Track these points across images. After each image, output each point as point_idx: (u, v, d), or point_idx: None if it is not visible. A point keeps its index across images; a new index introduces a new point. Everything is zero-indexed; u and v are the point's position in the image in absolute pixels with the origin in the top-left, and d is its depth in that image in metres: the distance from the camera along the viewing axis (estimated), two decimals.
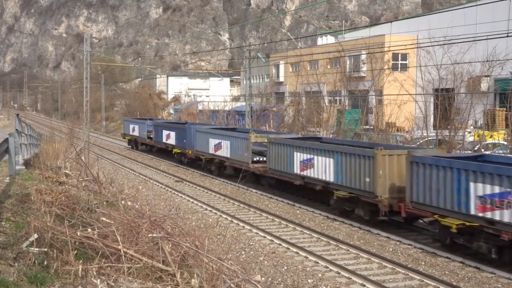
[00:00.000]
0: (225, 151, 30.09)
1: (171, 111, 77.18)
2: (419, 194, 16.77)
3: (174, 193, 26.91)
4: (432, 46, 32.08)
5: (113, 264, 8.33)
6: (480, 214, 14.75)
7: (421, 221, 18.76)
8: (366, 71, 47.94)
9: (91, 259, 8.46)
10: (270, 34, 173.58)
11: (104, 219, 10.49)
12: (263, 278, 12.84)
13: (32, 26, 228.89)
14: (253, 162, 27.64)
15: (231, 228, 19.28)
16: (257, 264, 15.20)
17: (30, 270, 7.48)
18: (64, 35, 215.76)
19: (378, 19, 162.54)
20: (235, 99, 77.90)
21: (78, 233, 9.04)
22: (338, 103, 49.71)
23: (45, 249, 8.43)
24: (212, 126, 39.94)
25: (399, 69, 49.66)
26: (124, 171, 35.44)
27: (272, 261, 15.46)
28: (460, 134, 31.50)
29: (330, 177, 21.02)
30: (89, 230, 9.34)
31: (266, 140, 26.59)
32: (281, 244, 17.30)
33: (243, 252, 16.35)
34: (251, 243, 17.37)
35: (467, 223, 15.16)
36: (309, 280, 13.90)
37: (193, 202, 24.74)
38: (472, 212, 14.87)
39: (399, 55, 50.54)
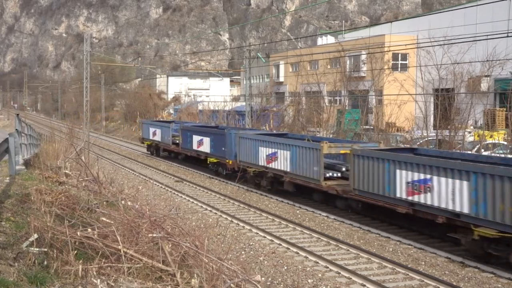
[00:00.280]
0: (282, 164, 24.30)
1: (171, 111, 77.18)
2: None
3: (174, 193, 26.90)
4: (432, 46, 32.07)
5: (113, 264, 8.34)
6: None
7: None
8: (366, 71, 47.94)
9: (91, 259, 8.46)
10: (270, 34, 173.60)
11: (104, 219, 10.49)
12: (263, 278, 12.85)
13: (32, 26, 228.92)
14: (325, 178, 21.98)
15: (231, 228, 19.28)
16: (257, 264, 15.20)
17: (30, 270, 7.48)
18: (64, 35, 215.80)
19: (378, 19, 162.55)
20: (235, 99, 77.92)
21: (78, 233, 9.04)
22: (338, 103, 49.71)
23: (45, 249, 8.43)
24: (261, 131, 33.76)
25: (399, 69, 49.66)
26: (124, 171, 35.43)
27: (272, 261, 15.46)
28: (460, 134, 31.49)
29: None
30: (89, 230, 9.34)
31: (342, 152, 22.15)
32: (281, 244, 17.30)
33: (243, 252, 16.35)
34: (251, 243, 17.37)
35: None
36: (309, 280, 13.90)
37: (193, 202, 24.74)
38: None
39: (399, 55, 50.54)
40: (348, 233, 18.97)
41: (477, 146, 28.56)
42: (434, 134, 32.30)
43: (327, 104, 47.88)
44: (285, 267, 14.94)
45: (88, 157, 33.53)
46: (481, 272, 14.62)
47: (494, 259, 14.90)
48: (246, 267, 12.73)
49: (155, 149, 44.12)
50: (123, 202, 13.52)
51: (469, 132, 33.02)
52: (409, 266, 15.07)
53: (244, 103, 51.49)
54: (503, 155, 25.05)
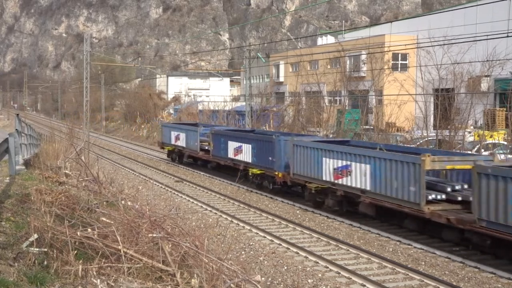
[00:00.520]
0: (359, 180, 19.50)
1: (171, 111, 77.20)
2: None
3: (174, 193, 26.90)
4: (432, 46, 32.07)
5: (113, 264, 8.34)
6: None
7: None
8: (366, 71, 47.94)
9: (91, 259, 8.46)
10: (270, 34, 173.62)
11: (104, 219, 10.50)
12: (263, 278, 12.85)
13: (32, 26, 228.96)
14: (427, 202, 16.92)
15: (231, 228, 19.28)
16: (257, 264, 15.20)
17: (30, 270, 7.48)
18: (64, 35, 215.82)
19: (378, 19, 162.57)
20: (235, 99, 77.93)
21: (78, 233, 9.05)
22: (338, 103, 49.71)
23: (45, 249, 8.43)
24: (320, 138, 29.29)
25: (399, 69, 49.67)
26: (124, 171, 35.43)
27: (272, 261, 15.46)
28: (460, 134, 31.50)
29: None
30: (89, 230, 9.34)
31: (456, 167, 17.54)
32: (281, 244, 17.30)
33: (243, 252, 16.35)
34: (251, 243, 17.37)
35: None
36: (309, 280, 13.90)
37: (193, 202, 24.73)
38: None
39: (399, 55, 50.54)
40: (348, 233, 18.97)
41: (477, 146, 28.56)
42: (434, 134, 32.30)
43: (327, 104, 47.89)
44: (285, 267, 14.94)
45: (88, 157, 33.53)
46: (481, 272, 14.62)
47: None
48: (246, 267, 12.73)
49: (177, 155, 38.69)
50: (123, 202, 13.52)
51: (469, 132, 33.03)
52: (409, 266, 15.07)
53: (244, 103, 51.49)
54: (503, 155, 25.09)
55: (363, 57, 48.27)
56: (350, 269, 14.65)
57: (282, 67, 69.61)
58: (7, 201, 11.30)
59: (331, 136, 37.30)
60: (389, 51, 42.30)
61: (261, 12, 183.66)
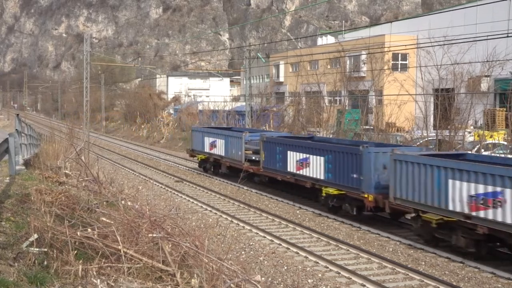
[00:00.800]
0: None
1: (171, 111, 77.20)
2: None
3: (174, 193, 26.90)
4: (432, 46, 32.06)
5: (113, 264, 8.34)
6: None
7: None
8: (366, 71, 47.93)
9: (91, 259, 8.47)
10: (270, 34, 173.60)
11: (104, 219, 10.49)
12: (263, 278, 12.84)
13: (32, 26, 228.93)
14: None
15: (231, 228, 19.28)
16: (257, 264, 15.20)
17: (30, 270, 7.48)
18: (64, 35, 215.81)
19: (378, 19, 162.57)
20: (235, 99, 77.92)
21: (78, 233, 9.04)
22: (338, 103, 49.70)
23: (45, 249, 8.43)
24: (433, 152, 22.45)
25: (399, 69, 49.66)
26: (124, 171, 35.43)
27: (272, 261, 15.46)
28: (460, 134, 31.50)
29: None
30: (89, 230, 9.34)
31: None
32: (281, 244, 17.30)
33: (243, 252, 16.35)
34: (251, 243, 17.38)
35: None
36: (309, 280, 13.91)
37: (193, 202, 24.74)
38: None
39: (399, 55, 50.53)
40: (348, 233, 18.97)
41: (477, 146, 28.56)
42: (434, 134, 32.31)
43: (327, 104, 47.88)
44: (285, 267, 14.94)
45: (88, 157, 33.53)
46: (481, 272, 14.63)
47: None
48: (246, 267, 12.73)
49: (212, 165, 32.93)
50: (123, 202, 13.52)
51: (469, 132, 33.03)
52: (409, 266, 15.07)
53: (244, 103, 51.49)
54: (503, 155, 25.08)
55: (363, 57, 48.26)
56: (350, 269, 14.65)
57: (282, 67, 69.60)
58: (7, 201, 11.30)
59: (330, 136, 37.19)
60: (389, 51, 42.28)
61: (261, 12, 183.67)
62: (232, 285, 8.45)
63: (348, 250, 16.73)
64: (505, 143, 29.45)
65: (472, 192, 15.04)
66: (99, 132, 75.47)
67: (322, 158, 21.80)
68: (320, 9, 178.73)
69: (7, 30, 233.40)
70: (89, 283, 7.47)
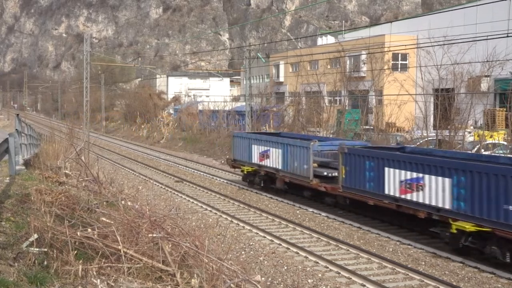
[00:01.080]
0: None
1: (171, 111, 77.21)
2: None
3: (174, 193, 26.90)
4: (432, 46, 32.07)
5: (113, 264, 8.34)
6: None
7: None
8: (366, 71, 47.94)
9: (91, 259, 8.47)
10: (270, 34, 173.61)
11: (104, 219, 10.49)
12: (263, 278, 12.84)
13: (32, 26, 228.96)
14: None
15: (231, 228, 19.28)
16: (257, 264, 15.21)
17: (30, 270, 7.48)
18: (64, 35, 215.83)
19: (378, 19, 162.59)
20: (235, 99, 77.91)
21: (78, 233, 9.05)
22: (338, 103, 49.70)
23: (45, 249, 8.43)
24: None
25: (399, 69, 49.65)
26: (124, 171, 35.43)
27: (272, 261, 15.47)
28: (460, 134, 31.50)
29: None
30: (89, 230, 9.34)
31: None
32: (281, 244, 17.30)
33: (243, 252, 16.36)
34: (251, 243, 17.38)
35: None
36: (309, 280, 13.91)
37: (193, 202, 24.73)
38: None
39: (399, 55, 50.52)
40: (348, 233, 18.97)
41: (477, 146, 28.56)
42: (434, 134, 32.31)
43: (327, 104, 47.87)
44: (285, 267, 14.94)
45: (88, 157, 33.54)
46: (481, 272, 14.63)
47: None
48: (246, 267, 12.74)
49: (262, 179, 26.73)
50: (123, 202, 13.52)
51: (469, 132, 33.03)
52: (409, 266, 15.07)
53: (244, 103, 51.48)
54: (503, 155, 25.08)
55: (363, 57, 48.26)
56: (350, 269, 14.65)
57: (282, 67, 69.60)
58: (7, 201, 11.30)
59: (330, 136, 37.15)
60: (389, 51, 42.28)
61: (261, 12, 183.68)
62: (232, 285, 8.45)
63: (348, 250, 16.73)
64: (505, 143, 29.45)
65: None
66: (99, 132, 75.47)
67: (447, 180, 15.98)
68: (320, 9, 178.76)
69: (7, 30, 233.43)
70: (89, 283, 7.47)
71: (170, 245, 9.22)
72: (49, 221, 9.31)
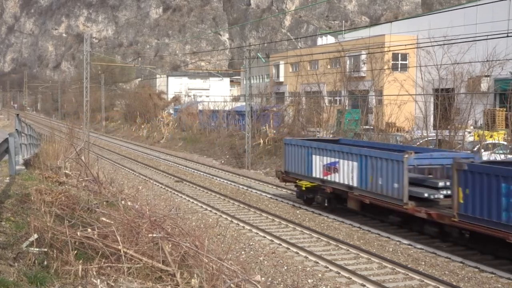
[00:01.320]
0: None
1: (171, 111, 77.22)
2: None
3: (174, 193, 26.90)
4: (432, 46, 32.05)
5: (113, 264, 8.34)
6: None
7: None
8: (366, 71, 47.92)
9: (91, 259, 8.47)
10: (270, 34, 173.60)
11: (104, 219, 10.49)
12: (263, 278, 12.84)
13: (32, 26, 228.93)
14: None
15: (231, 228, 19.28)
16: (257, 264, 15.21)
17: (30, 270, 7.48)
18: (64, 35, 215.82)
19: (378, 19, 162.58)
20: (235, 99, 77.91)
21: (78, 233, 9.04)
22: (338, 103, 49.68)
23: (45, 249, 8.43)
24: None
25: (399, 69, 49.64)
26: (124, 171, 35.42)
27: (272, 261, 15.46)
28: (460, 134, 31.49)
29: None
30: (89, 230, 9.34)
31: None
32: (281, 244, 17.30)
33: (243, 252, 16.36)
34: (251, 243, 17.38)
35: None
36: (309, 280, 13.91)
37: (193, 202, 24.73)
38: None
39: (399, 55, 50.51)
40: (348, 233, 18.96)
41: (477, 146, 28.55)
42: (434, 134, 32.30)
43: (327, 104, 47.86)
44: (285, 267, 14.94)
45: (88, 157, 33.54)
46: (481, 272, 14.62)
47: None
48: (246, 267, 12.74)
49: (327, 198, 22.02)
50: (123, 202, 13.52)
51: (469, 132, 33.01)
52: (409, 266, 15.07)
53: (244, 103, 51.49)
54: (503, 156, 25.09)
55: (363, 57, 48.25)
56: (350, 269, 14.65)
57: (282, 67, 69.59)
58: (7, 201, 11.30)
59: (330, 136, 37.12)
60: (389, 51, 42.27)
61: (261, 12, 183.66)
62: (232, 285, 8.45)
63: (348, 250, 16.73)
64: (505, 143, 29.44)
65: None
66: (99, 132, 75.46)
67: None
68: (320, 9, 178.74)
69: (7, 30, 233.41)
70: (89, 283, 7.47)
71: (170, 245, 9.22)
72: (49, 221, 9.31)
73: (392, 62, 49.36)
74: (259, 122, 48.80)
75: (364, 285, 13.57)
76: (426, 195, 17.29)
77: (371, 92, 45.80)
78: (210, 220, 20.63)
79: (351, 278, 14.02)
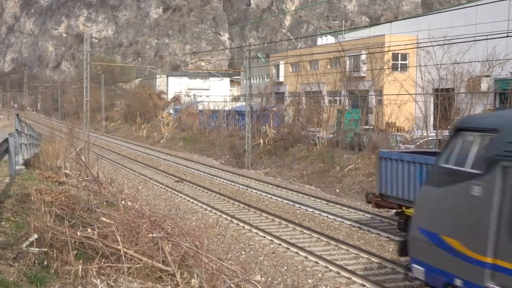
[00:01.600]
0: None
1: (171, 111, 77.23)
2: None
3: (174, 193, 26.89)
4: (432, 46, 32.04)
5: (113, 264, 8.34)
6: None
7: None
8: (366, 71, 47.92)
9: (91, 259, 8.47)
10: (270, 34, 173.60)
11: (104, 219, 10.49)
12: (263, 278, 12.84)
13: (32, 26, 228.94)
14: None
15: (231, 228, 19.28)
16: (257, 264, 15.20)
17: (30, 270, 7.48)
18: (64, 35, 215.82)
19: (378, 19, 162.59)
20: (235, 99, 77.91)
21: (78, 233, 9.04)
22: (338, 103, 49.66)
23: (45, 249, 8.43)
24: None
25: (399, 69, 49.63)
26: (124, 171, 35.42)
27: (272, 261, 15.46)
28: None
29: None
30: (89, 230, 9.34)
31: None
32: (281, 244, 17.30)
33: (243, 252, 16.36)
34: (251, 243, 17.38)
35: None
36: (309, 280, 13.91)
37: (193, 202, 24.73)
38: None
39: (399, 55, 50.51)
40: (348, 233, 18.96)
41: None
42: (434, 134, 32.29)
43: (327, 104, 47.85)
44: (285, 267, 14.94)
45: (88, 157, 33.53)
46: None
47: None
48: (246, 267, 12.74)
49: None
50: (123, 202, 13.52)
51: None
52: (409, 266, 15.06)
53: (244, 103, 51.49)
54: None
55: (363, 57, 48.25)
56: (350, 269, 14.65)
57: (282, 67, 69.58)
58: (7, 201, 11.30)
59: (330, 136, 37.09)
60: (389, 51, 42.27)
61: (261, 12, 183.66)
62: (232, 285, 8.45)
63: (348, 250, 16.72)
64: None
65: None
66: (99, 132, 75.45)
67: None
68: (320, 9, 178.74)
69: (7, 30, 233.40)
70: (89, 283, 7.47)
71: (170, 245, 9.22)
72: (49, 221, 9.31)
73: (392, 62, 49.35)
74: (259, 122, 48.81)
75: (364, 285, 13.57)
76: None
77: (371, 92, 45.81)
78: (210, 220, 20.62)
79: (351, 278, 14.02)
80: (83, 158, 25.97)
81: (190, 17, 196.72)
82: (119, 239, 8.76)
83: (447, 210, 9.33)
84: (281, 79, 69.40)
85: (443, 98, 32.71)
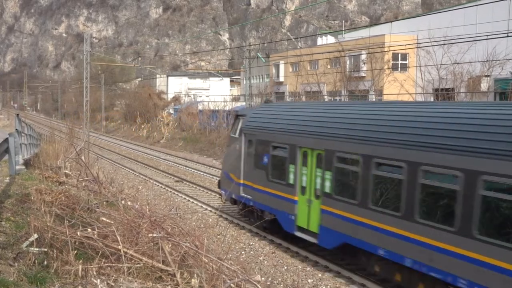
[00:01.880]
0: None
1: (171, 111, 77.25)
2: None
3: (174, 193, 26.89)
4: (432, 46, 32.06)
5: (113, 264, 8.34)
6: None
7: None
8: (366, 71, 47.95)
9: (91, 259, 8.47)
10: (270, 34, 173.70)
11: (104, 219, 10.50)
12: (263, 278, 12.84)
13: (32, 26, 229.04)
14: None
15: (231, 228, 19.28)
16: (257, 264, 15.20)
17: (30, 270, 7.48)
18: (64, 35, 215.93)
19: (378, 19, 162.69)
20: (235, 99, 77.93)
21: (78, 233, 9.05)
22: None
23: (45, 249, 8.44)
24: None
25: (399, 69, 49.65)
26: (124, 171, 35.42)
27: (272, 261, 15.46)
28: None
29: None
30: (89, 230, 9.34)
31: None
32: (281, 244, 17.29)
33: (243, 252, 16.35)
34: (251, 243, 17.37)
35: None
36: (309, 280, 13.90)
37: (193, 202, 24.72)
38: None
39: (399, 55, 50.53)
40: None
41: None
42: None
43: None
44: (285, 267, 14.94)
45: (88, 157, 33.54)
46: None
47: None
48: (246, 267, 12.73)
49: None
50: (123, 202, 13.52)
51: None
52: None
53: (244, 103, 51.48)
54: None
55: (363, 57, 48.27)
56: (350, 269, 14.63)
57: (282, 67, 69.61)
58: (7, 201, 11.30)
59: None
60: (389, 51, 42.29)
61: (261, 12, 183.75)
62: (232, 285, 8.45)
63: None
64: None
65: None
66: (99, 132, 75.48)
67: None
68: (320, 9, 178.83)
69: (7, 30, 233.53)
70: (89, 283, 7.47)
71: (170, 245, 9.22)
72: (49, 221, 9.32)
73: (392, 62, 49.37)
74: None
75: (364, 285, 13.56)
76: None
77: (371, 92, 45.83)
78: (210, 220, 20.62)
79: (351, 278, 14.01)
80: (83, 158, 25.97)
81: (190, 17, 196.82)
82: (119, 239, 8.76)
83: (230, 158, 19.29)
84: (281, 79, 69.43)
85: (443, 98, 32.73)
